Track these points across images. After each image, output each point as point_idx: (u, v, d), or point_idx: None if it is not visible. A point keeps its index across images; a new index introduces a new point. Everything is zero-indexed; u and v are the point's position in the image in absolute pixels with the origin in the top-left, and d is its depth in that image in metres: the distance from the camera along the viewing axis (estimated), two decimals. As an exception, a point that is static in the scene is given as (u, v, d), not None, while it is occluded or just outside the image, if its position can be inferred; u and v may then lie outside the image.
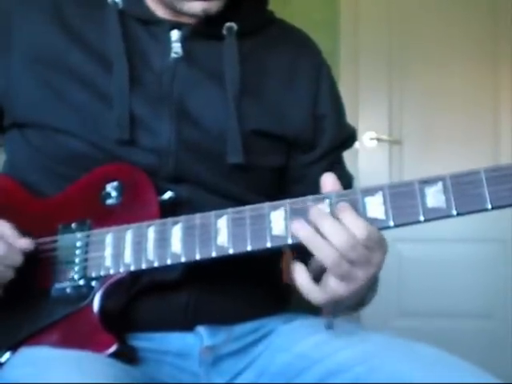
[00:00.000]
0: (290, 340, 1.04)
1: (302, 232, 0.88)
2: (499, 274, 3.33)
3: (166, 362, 1.05)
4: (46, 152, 1.08)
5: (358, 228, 0.87)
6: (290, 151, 1.15)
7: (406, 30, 3.38)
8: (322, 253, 0.87)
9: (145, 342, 1.03)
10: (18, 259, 0.99)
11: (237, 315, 1.09)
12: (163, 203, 1.01)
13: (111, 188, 1.03)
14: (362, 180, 3.20)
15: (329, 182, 0.92)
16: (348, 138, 1.22)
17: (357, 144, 3.24)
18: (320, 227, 0.88)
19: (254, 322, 1.10)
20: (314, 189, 0.93)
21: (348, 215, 0.88)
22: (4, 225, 1.00)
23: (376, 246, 0.88)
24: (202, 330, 1.06)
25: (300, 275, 0.89)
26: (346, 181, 1.16)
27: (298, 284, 0.89)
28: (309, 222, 0.88)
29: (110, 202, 1.02)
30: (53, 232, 1.03)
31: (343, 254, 0.86)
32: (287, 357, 1.03)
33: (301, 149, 1.16)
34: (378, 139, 3.36)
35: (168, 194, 1.02)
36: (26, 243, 0.99)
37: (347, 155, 1.26)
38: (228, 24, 1.10)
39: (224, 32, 1.10)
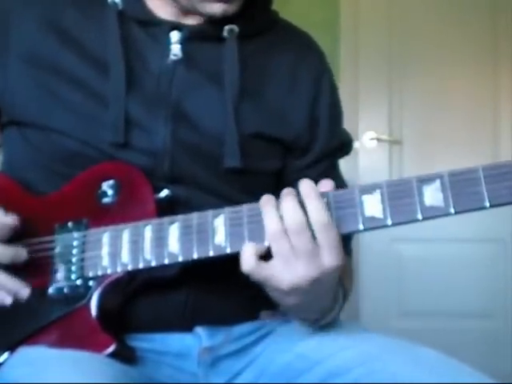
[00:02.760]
0: (290, 340, 1.04)
1: (264, 198, 0.90)
2: (499, 273, 3.34)
3: (164, 363, 1.05)
4: (43, 150, 1.08)
5: (316, 210, 0.88)
6: (286, 155, 1.15)
7: (406, 30, 3.38)
8: (269, 221, 0.88)
9: (143, 342, 1.03)
10: (4, 233, 0.99)
11: (236, 316, 1.09)
12: (160, 201, 1.01)
13: (107, 186, 1.02)
14: (361, 180, 3.20)
15: (326, 188, 0.92)
16: (341, 145, 1.21)
17: (357, 144, 3.24)
18: (282, 202, 0.89)
19: (253, 322, 1.10)
20: None
21: (314, 199, 0.89)
22: None
23: (328, 244, 0.88)
24: (200, 330, 1.06)
25: (247, 248, 0.90)
26: (339, 188, 1.15)
27: (244, 248, 0.90)
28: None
29: (106, 200, 1.02)
30: (49, 231, 1.03)
31: (287, 231, 0.87)
32: (287, 357, 1.03)
33: (296, 153, 1.15)
34: (378, 139, 3.36)
35: (164, 192, 1.02)
36: (12, 220, 1.00)
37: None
38: (229, 26, 1.09)
39: (225, 34, 1.10)
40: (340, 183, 1.19)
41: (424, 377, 0.90)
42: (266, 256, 0.90)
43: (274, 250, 0.89)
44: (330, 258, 0.88)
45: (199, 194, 1.06)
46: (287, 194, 0.90)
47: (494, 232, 3.32)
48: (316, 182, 1.16)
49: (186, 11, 1.09)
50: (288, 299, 0.92)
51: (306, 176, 1.15)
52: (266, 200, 0.91)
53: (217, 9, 1.05)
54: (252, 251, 0.89)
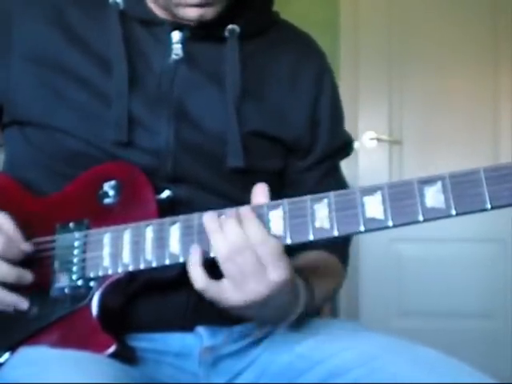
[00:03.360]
0: (290, 341, 1.04)
1: (208, 222, 0.92)
2: (499, 273, 3.33)
3: (165, 363, 1.05)
4: (45, 150, 1.08)
5: (254, 232, 0.90)
6: (287, 155, 1.15)
7: (406, 30, 3.38)
8: (217, 249, 0.90)
9: (144, 342, 1.03)
10: (15, 256, 0.99)
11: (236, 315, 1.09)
12: (161, 202, 1.01)
13: (109, 187, 1.03)
14: (361, 180, 3.20)
15: (258, 192, 0.94)
16: (343, 146, 1.22)
17: (357, 144, 3.24)
18: (224, 225, 0.91)
19: (254, 322, 1.10)
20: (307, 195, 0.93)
21: (250, 220, 0.90)
22: (4, 218, 1.01)
23: (272, 259, 0.89)
24: (201, 330, 1.06)
25: (194, 255, 0.92)
26: (341, 189, 1.15)
27: (188, 264, 0.92)
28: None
29: (107, 201, 1.02)
30: (51, 231, 1.03)
31: (233, 254, 0.89)
32: (288, 357, 1.02)
33: (297, 154, 1.16)
34: (378, 139, 3.36)
35: (166, 193, 1.02)
36: (27, 246, 1.00)
37: (347, 155, 1.26)
38: (230, 26, 1.10)
39: (226, 34, 1.10)
40: (342, 184, 1.20)
41: (424, 377, 0.90)
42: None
43: (223, 272, 0.91)
44: (276, 273, 0.90)
45: (201, 193, 1.06)
46: (229, 216, 0.92)
47: (494, 232, 3.32)
48: (318, 183, 1.16)
49: (174, 15, 1.09)
50: (243, 313, 0.95)
51: (308, 177, 1.15)
52: (210, 221, 0.92)
53: (192, 13, 1.04)
54: (199, 272, 0.91)
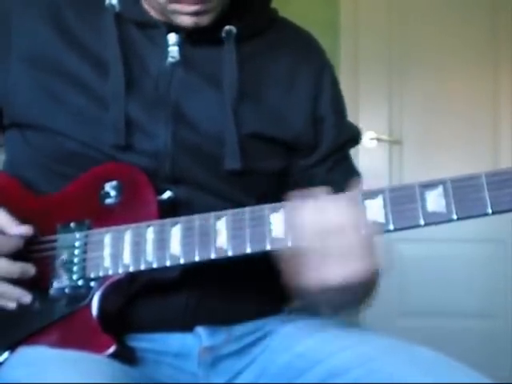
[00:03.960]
0: (290, 340, 1.04)
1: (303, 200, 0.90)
2: (499, 273, 3.33)
3: (165, 363, 1.05)
4: (45, 151, 1.08)
5: (356, 215, 0.88)
6: (290, 155, 1.15)
7: (406, 31, 3.38)
8: (333, 218, 0.88)
9: (144, 342, 1.03)
10: (14, 245, 0.99)
11: (236, 316, 1.09)
12: (162, 203, 1.01)
13: (110, 187, 1.03)
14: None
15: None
16: (351, 138, 1.21)
17: (357, 144, 3.24)
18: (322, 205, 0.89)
19: (254, 322, 1.10)
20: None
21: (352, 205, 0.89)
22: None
23: (373, 246, 0.88)
24: (201, 330, 1.06)
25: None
26: (352, 178, 1.14)
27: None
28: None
29: (108, 201, 1.02)
30: (51, 231, 1.03)
31: (344, 228, 0.87)
32: (287, 357, 1.03)
33: (302, 152, 1.15)
34: (378, 139, 3.36)
35: (167, 194, 1.02)
36: (24, 229, 1.00)
37: (347, 155, 1.25)
38: (227, 27, 1.09)
39: (223, 35, 1.09)
40: (353, 173, 1.18)
41: (422, 377, 0.91)
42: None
43: (331, 247, 0.88)
44: (375, 260, 0.89)
45: (201, 194, 1.06)
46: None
47: (494, 232, 3.32)
48: (328, 175, 1.15)
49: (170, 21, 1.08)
50: (322, 297, 0.93)
51: (314, 173, 1.15)
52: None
53: (188, 21, 1.04)
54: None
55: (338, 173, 1.15)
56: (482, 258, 3.34)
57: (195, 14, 1.04)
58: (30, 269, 1.01)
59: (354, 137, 1.22)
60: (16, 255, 1.00)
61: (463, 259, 3.33)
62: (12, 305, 1.01)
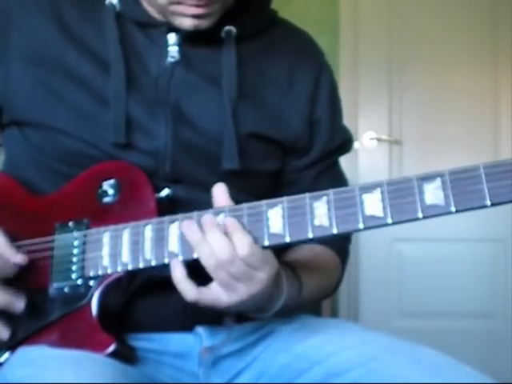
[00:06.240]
0: (290, 341, 1.04)
1: (190, 233, 0.92)
2: (499, 273, 3.33)
3: (165, 363, 1.05)
4: (44, 150, 1.08)
5: (240, 244, 0.89)
6: (284, 156, 1.15)
7: (406, 30, 3.38)
8: (205, 260, 0.90)
9: (144, 342, 1.03)
10: (9, 273, 1.00)
11: (236, 316, 1.09)
12: (160, 201, 1.01)
13: (108, 186, 1.03)
14: (361, 180, 3.20)
15: (218, 193, 0.95)
16: (343, 143, 1.21)
17: (357, 144, 3.24)
18: (207, 235, 0.91)
19: (254, 322, 1.10)
20: (306, 193, 0.93)
21: (236, 231, 0.90)
22: None
23: (260, 264, 0.90)
24: (201, 330, 1.06)
25: (176, 271, 0.92)
26: (340, 186, 1.15)
27: (174, 280, 0.92)
28: (200, 227, 0.92)
29: (106, 200, 1.02)
30: (50, 230, 1.03)
31: (223, 266, 0.89)
32: (287, 357, 1.03)
33: (296, 154, 1.15)
34: (378, 139, 3.36)
35: (165, 192, 1.02)
36: (20, 258, 1.00)
37: (347, 155, 1.25)
38: (227, 27, 1.09)
39: (222, 35, 1.10)
40: (341, 181, 1.20)
41: (423, 377, 0.91)
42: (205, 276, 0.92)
43: (214, 280, 0.91)
44: (262, 272, 0.91)
45: (200, 193, 1.06)
46: (211, 226, 0.92)
47: (494, 232, 3.32)
48: (315, 180, 1.16)
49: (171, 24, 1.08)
50: (232, 309, 0.95)
51: (302, 177, 1.15)
52: (190, 232, 0.92)
53: (188, 23, 1.05)
54: (187, 286, 0.92)
55: (325, 180, 1.15)
56: (481, 258, 3.34)
57: (196, 16, 1.04)
58: (17, 303, 1.01)
59: (345, 142, 1.22)
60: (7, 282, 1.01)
61: (463, 259, 3.33)
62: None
